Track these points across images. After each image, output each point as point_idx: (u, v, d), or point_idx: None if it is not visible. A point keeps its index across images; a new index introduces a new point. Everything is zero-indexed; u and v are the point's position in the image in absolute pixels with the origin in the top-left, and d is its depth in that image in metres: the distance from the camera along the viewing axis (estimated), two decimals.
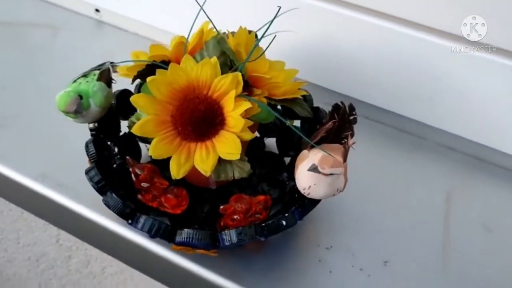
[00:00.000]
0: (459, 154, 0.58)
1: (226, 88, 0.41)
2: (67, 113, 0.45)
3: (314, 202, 0.44)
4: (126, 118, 0.48)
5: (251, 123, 0.41)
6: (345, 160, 0.42)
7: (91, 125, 0.48)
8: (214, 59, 0.41)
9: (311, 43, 0.60)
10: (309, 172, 0.41)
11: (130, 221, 0.43)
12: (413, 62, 0.56)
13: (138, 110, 0.44)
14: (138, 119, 0.43)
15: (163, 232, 0.42)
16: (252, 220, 0.43)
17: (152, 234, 0.42)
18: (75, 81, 0.47)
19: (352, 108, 0.47)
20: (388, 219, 0.51)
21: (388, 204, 0.52)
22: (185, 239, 0.41)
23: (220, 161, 0.41)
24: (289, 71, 0.47)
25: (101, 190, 0.44)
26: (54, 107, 0.45)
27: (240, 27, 0.45)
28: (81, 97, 0.45)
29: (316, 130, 0.45)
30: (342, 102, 0.48)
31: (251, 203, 0.45)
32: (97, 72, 0.48)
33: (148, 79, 0.41)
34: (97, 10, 0.73)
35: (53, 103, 0.44)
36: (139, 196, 0.46)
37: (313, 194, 0.42)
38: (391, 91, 0.60)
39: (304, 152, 0.43)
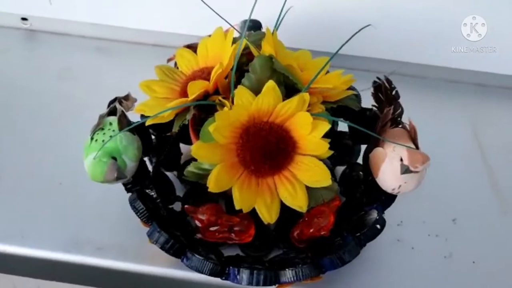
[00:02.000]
0: (464, 84, 0.59)
1: (292, 112, 0.37)
2: (105, 182, 0.38)
3: (393, 196, 0.43)
4: (170, 169, 0.42)
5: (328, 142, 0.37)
6: (417, 143, 0.40)
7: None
8: (273, 84, 0.36)
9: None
10: (399, 173, 0.39)
11: (224, 277, 0.39)
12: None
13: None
14: (200, 168, 0.38)
15: (265, 280, 0.39)
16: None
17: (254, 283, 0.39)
18: (92, 138, 0.40)
19: (389, 81, 0.45)
20: (436, 174, 0.51)
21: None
22: (292, 278, 0.39)
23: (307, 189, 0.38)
24: (343, 77, 0.42)
25: (178, 253, 0.39)
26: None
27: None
28: (114, 158, 0.39)
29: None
30: (378, 78, 0.46)
31: (329, 212, 0.42)
32: (112, 119, 0.41)
33: (211, 128, 0.35)
34: (24, 19, 0.61)
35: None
36: (199, 235, 0.42)
37: (403, 191, 0.40)
38: (388, 40, 0.58)
39: (379, 150, 0.41)
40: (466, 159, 0.53)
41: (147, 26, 0.60)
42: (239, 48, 0.37)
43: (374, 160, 0.41)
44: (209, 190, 0.36)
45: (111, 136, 0.40)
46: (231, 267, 0.39)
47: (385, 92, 0.45)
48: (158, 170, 0.46)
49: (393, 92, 0.45)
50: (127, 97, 0.44)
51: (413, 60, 0.58)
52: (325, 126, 0.37)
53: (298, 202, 0.37)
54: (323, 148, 0.37)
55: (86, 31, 0.62)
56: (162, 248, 0.39)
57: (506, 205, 0.50)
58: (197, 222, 0.42)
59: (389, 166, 0.39)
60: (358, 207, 0.45)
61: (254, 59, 0.38)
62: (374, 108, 0.45)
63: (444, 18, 0.51)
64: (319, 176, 0.37)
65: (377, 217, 0.41)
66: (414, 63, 0.58)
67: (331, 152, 0.38)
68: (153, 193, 0.44)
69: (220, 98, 0.38)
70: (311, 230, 0.42)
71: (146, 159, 0.46)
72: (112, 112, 0.42)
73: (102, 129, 0.40)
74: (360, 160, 0.47)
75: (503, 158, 0.53)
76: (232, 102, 0.38)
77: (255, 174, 0.38)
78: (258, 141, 0.37)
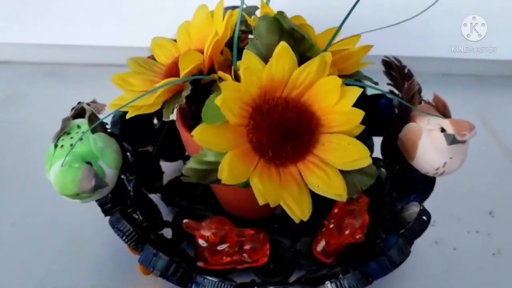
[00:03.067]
0: (463, 77, 0.55)
1: (311, 79, 0.29)
2: (79, 194, 0.29)
3: (431, 183, 0.36)
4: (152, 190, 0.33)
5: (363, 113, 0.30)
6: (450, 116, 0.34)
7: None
8: (285, 44, 0.29)
9: None
10: (444, 146, 0.32)
11: None
12: None
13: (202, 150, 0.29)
14: (203, 162, 0.29)
15: None
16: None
17: None
18: (56, 144, 0.31)
19: (399, 60, 0.40)
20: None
21: None
22: None
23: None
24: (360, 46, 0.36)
25: (184, 279, 0.30)
26: None
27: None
28: (88, 163, 0.30)
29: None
30: (386, 57, 0.40)
31: (361, 210, 0.35)
32: (80, 121, 0.32)
33: (218, 100, 0.27)
34: None
35: None
36: (201, 264, 0.33)
37: (448, 170, 0.33)
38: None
39: (412, 125, 0.34)
40: (482, 149, 0.48)
41: (93, 42, 0.53)
42: (239, 14, 0.30)
43: (408, 138, 0.34)
44: (222, 182, 0.27)
45: (81, 139, 0.31)
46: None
47: (397, 70, 0.39)
48: (139, 190, 0.37)
49: (406, 71, 0.39)
50: (94, 102, 0.35)
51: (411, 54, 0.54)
52: (357, 91, 0.30)
53: (335, 189, 0.29)
54: (356, 118, 0.29)
55: (32, 55, 0.53)
56: (162, 275, 0.29)
57: None
58: (200, 242, 0.33)
59: (428, 141, 0.33)
60: (389, 205, 0.37)
61: (258, 21, 0.30)
62: (390, 88, 0.39)
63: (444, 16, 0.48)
64: (355, 154, 0.29)
65: (421, 208, 0.33)
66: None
67: (362, 127, 0.30)
68: (136, 216, 0.35)
69: (221, 72, 0.30)
70: (343, 236, 0.34)
71: (123, 177, 0.37)
72: (78, 115, 0.33)
73: (68, 133, 0.31)
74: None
75: None
76: (235, 79, 0.30)
77: (274, 162, 0.29)
78: (274, 120, 0.29)
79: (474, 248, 0.39)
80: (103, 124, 0.33)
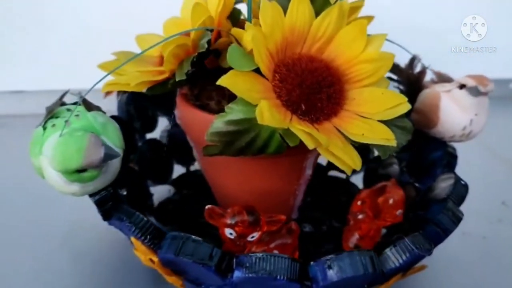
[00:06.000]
0: None
1: (332, 30, 0.28)
2: (84, 171, 0.23)
3: (454, 155, 0.34)
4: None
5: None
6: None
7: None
8: None
9: None
10: (468, 101, 0.30)
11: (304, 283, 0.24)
12: None
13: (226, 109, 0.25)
14: (231, 121, 0.25)
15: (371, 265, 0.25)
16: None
17: None
18: (45, 127, 0.26)
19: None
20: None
21: None
22: (398, 260, 0.25)
23: None
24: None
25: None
26: None
27: None
28: None
29: None
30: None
31: (394, 185, 0.32)
32: (71, 106, 0.27)
33: (249, 35, 0.24)
34: None
35: None
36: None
37: (475, 128, 0.31)
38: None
39: (427, 91, 0.33)
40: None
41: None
42: None
43: (427, 103, 0.32)
44: (260, 122, 0.23)
45: (77, 115, 0.26)
46: (311, 262, 0.25)
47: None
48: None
49: None
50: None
51: None
52: (382, 37, 0.28)
53: (381, 134, 0.26)
54: (387, 62, 0.27)
55: None
56: (204, 262, 0.23)
57: None
58: (227, 233, 0.27)
59: (450, 100, 0.31)
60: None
61: None
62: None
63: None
64: (392, 101, 0.27)
65: (455, 178, 0.31)
66: None
67: (388, 82, 0.29)
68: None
69: (235, 29, 0.27)
70: (381, 219, 0.30)
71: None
72: (63, 104, 0.29)
73: (57, 117, 0.26)
74: None
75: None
76: None
77: (309, 117, 0.26)
78: (301, 72, 0.26)
79: (500, 236, 0.37)
80: (99, 108, 0.28)
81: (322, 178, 0.40)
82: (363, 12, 0.31)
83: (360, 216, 0.32)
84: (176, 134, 0.39)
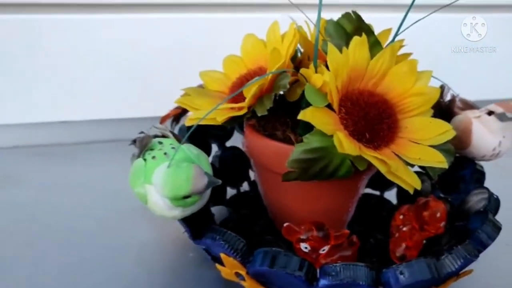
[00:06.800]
0: None
1: (386, 67, 0.32)
2: (190, 196, 0.27)
3: (482, 172, 0.38)
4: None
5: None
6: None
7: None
8: (360, 38, 0.31)
9: None
10: (496, 125, 0.35)
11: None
12: None
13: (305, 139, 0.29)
14: (308, 151, 0.29)
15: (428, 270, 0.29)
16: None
17: None
18: (145, 158, 0.29)
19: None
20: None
21: None
22: (455, 264, 0.30)
23: None
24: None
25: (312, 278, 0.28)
26: None
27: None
28: None
29: None
30: None
31: (435, 200, 0.36)
32: (160, 139, 0.31)
33: (322, 78, 0.28)
34: None
35: None
36: None
37: (503, 149, 0.36)
38: None
39: (458, 117, 0.37)
40: None
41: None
42: (318, 18, 0.32)
43: (461, 128, 0.37)
44: (340, 150, 0.27)
45: (173, 147, 0.29)
46: (383, 269, 0.29)
47: None
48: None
49: None
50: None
51: None
52: (429, 73, 0.32)
53: (435, 157, 0.30)
54: (434, 96, 0.32)
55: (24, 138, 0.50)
56: (291, 273, 0.27)
57: None
58: (302, 247, 0.31)
59: (481, 125, 0.36)
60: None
61: (327, 24, 0.33)
62: None
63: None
64: (439, 129, 0.31)
65: (488, 192, 0.35)
66: None
67: (432, 111, 0.33)
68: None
69: (303, 69, 0.32)
70: (425, 231, 0.35)
71: None
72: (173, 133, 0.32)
73: (152, 149, 0.30)
74: None
75: None
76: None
77: (373, 145, 0.30)
78: (364, 106, 0.31)
79: None
80: (179, 137, 0.32)
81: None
82: None
83: (404, 229, 0.36)
84: (226, 158, 0.43)
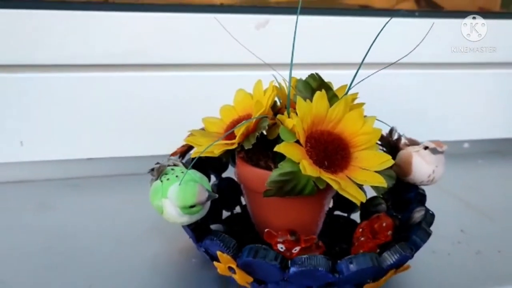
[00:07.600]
0: None
1: (341, 114, 0.43)
2: (194, 206, 0.38)
3: (423, 194, 0.49)
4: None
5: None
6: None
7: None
8: (321, 93, 0.43)
9: None
10: (430, 157, 0.46)
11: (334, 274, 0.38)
12: None
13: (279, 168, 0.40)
14: (283, 174, 0.40)
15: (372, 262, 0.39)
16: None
17: None
18: (161, 180, 0.40)
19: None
20: None
21: None
22: (394, 258, 0.40)
23: None
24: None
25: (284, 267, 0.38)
26: None
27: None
28: None
29: None
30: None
31: (384, 216, 0.46)
32: (172, 166, 0.42)
33: (291, 123, 0.39)
34: None
35: None
36: None
37: (437, 176, 0.47)
38: None
39: (403, 152, 0.48)
40: None
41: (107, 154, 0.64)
42: (289, 81, 0.44)
43: (404, 160, 0.47)
44: (303, 173, 0.38)
45: (182, 172, 0.40)
46: (338, 261, 0.39)
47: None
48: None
49: None
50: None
51: None
52: (373, 118, 0.43)
53: (378, 180, 0.41)
54: (377, 134, 0.43)
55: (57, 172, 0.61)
56: (266, 263, 0.37)
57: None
58: (279, 247, 0.41)
59: (419, 157, 0.46)
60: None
61: (297, 82, 0.44)
62: None
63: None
64: (382, 159, 0.42)
65: (425, 207, 0.46)
66: None
67: (377, 145, 0.44)
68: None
69: (280, 115, 0.43)
70: (377, 238, 0.45)
71: None
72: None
73: (166, 173, 0.41)
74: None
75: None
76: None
77: (331, 170, 0.41)
78: (324, 142, 0.42)
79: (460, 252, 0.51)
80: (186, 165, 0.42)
81: (330, 216, 0.54)
82: None
83: (362, 238, 0.46)
84: (222, 186, 0.53)
